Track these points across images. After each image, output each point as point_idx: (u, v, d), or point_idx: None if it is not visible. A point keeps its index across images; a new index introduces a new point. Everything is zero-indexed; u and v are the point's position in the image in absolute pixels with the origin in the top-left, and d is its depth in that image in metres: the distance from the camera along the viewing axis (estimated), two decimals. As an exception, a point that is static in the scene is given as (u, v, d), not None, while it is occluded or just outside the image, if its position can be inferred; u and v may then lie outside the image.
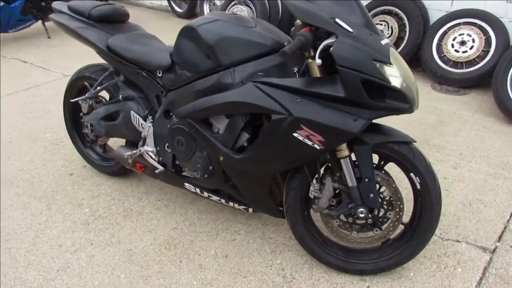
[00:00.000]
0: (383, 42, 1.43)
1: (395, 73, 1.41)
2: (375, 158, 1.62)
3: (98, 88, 2.13)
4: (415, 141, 1.62)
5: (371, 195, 1.58)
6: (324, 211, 1.65)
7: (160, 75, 1.89)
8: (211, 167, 1.78)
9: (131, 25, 2.20)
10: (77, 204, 2.25)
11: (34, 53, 4.69)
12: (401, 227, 1.72)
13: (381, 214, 1.67)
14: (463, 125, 2.97)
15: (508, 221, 2.05)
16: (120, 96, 2.08)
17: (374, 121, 1.49)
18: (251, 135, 1.64)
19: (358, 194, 1.58)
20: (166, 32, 4.21)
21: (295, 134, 1.46)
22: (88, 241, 1.99)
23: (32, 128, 3.07)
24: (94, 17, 2.05)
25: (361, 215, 1.60)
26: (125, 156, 2.06)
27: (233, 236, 2.00)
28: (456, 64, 3.57)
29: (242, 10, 4.41)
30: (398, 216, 1.65)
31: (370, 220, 1.65)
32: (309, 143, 1.46)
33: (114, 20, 2.13)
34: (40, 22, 5.06)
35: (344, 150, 1.56)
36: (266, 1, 4.34)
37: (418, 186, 1.61)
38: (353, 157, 1.59)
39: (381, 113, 1.44)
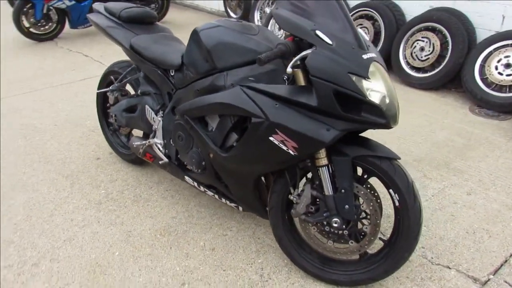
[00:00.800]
0: (366, 56, 1.46)
1: (375, 88, 1.43)
2: (360, 172, 1.64)
3: (122, 82, 2.35)
4: (398, 158, 1.61)
5: (346, 206, 1.60)
6: (302, 217, 1.69)
7: (172, 74, 2.05)
8: (203, 163, 1.90)
9: (159, 27, 2.40)
10: (96, 185, 2.48)
11: (95, 49, 5.15)
12: (381, 243, 1.72)
13: (358, 227, 1.67)
14: (492, 152, 2.82)
15: (511, 256, 1.94)
16: (139, 91, 2.27)
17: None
18: (240, 136, 1.73)
19: (334, 204, 1.61)
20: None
21: (271, 138, 1.53)
22: (96, 219, 2.20)
23: (77, 114, 3.40)
24: (123, 18, 2.27)
25: (335, 225, 1.62)
26: (136, 146, 2.25)
27: (225, 232, 2.10)
28: (500, 87, 3.38)
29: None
30: (374, 231, 1.64)
31: (346, 231, 1.66)
32: (284, 148, 1.52)
33: (142, 22, 2.33)
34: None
35: (322, 158, 1.59)
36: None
37: (397, 203, 1.59)
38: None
39: (355, 126, 1.46)
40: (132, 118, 2.33)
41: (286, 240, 1.81)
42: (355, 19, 4.29)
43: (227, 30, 1.75)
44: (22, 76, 4.27)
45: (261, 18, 5.56)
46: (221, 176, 1.87)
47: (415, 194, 1.58)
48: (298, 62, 1.51)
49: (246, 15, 6.04)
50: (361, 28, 4.23)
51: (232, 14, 6.37)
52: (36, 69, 4.47)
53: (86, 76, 4.27)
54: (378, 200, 1.66)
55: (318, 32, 1.43)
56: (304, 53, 1.44)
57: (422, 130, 3.08)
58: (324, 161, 1.59)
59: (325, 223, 1.68)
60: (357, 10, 4.30)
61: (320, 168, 1.61)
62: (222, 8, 6.65)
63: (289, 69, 1.44)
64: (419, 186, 2.41)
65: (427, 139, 2.93)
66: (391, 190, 1.59)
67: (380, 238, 1.73)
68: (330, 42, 1.42)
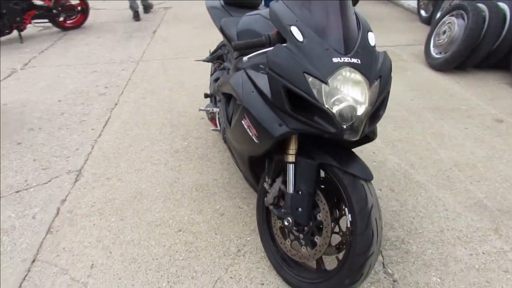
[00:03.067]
0: (338, 60, 1.36)
1: (335, 94, 1.35)
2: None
3: (212, 55, 2.72)
4: (367, 179, 1.46)
5: (300, 209, 1.56)
6: (270, 206, 1.72)
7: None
8: (224, 135, 2.11)
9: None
10: (184, 138, 2.99)
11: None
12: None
13: (311, 235, 1.60)
14: None
15: None
16: (223, 65, 2.59)
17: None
18: None
19: (289, 203, 1.59)
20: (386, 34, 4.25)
21: (242, 122, 1.62)
22: (164, 161, 2.69)
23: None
24: (226, 1, 2.60)
25: (286, 224, 1.60)
26: (207, 111, 2.60)
27: (242, 205, 2.27)
28: None
29: (453, 22, 3.93)
30: (322, 244, 1.55)
31: (301, 235, 1.62)
32: (250, 134, 1.59)
33: (243, 6, 2.61)
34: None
35: (291, 155, 1.58)
36: (485, 13, 3.72)
37: (348, 224, 1.46)
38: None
39: (306, 128, 1.41)
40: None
41: (261, 225, 1.87)
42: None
43: (260, 18, 1.86)
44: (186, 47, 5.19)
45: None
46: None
47: (370, 221, 1.41)
48: None
49: (434, 15, 5.49)
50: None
51: (422, 12, 5.88)
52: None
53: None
54: (336, 215, 1.56)
55: (292, 28, 1.42)
56: (269, 48, 1.47)
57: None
58: (291, 158, 1.58)
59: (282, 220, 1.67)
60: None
61: (287, 164, 1.61)
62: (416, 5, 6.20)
63: (245, 59, 1.49)
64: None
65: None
66: (346, 208, 1.47)
67: (336, 256, 1.61)
68: (300, 39, 1.40)
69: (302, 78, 1.36)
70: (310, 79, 1.35)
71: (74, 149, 2.88)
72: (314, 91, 1.34)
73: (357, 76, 1.37)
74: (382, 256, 1.90)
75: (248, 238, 2.04)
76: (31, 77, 4.25)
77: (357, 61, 1.38)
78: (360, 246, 1.42)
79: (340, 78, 1.35)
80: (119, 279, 1.82)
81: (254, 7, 2.64)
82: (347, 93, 1.36)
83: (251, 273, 1.84)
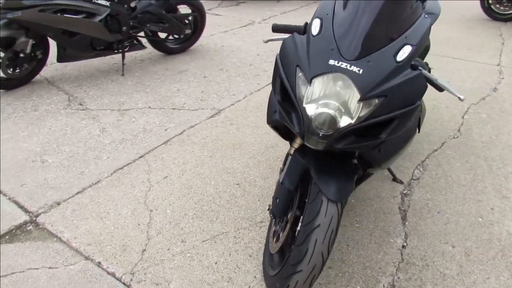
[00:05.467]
0: (335, 63, 1.25)
1: (315, 97, 1.27)
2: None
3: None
4: (331, 198, 1.33)
5: (278, 199, 1.54)
6: None
7: None
8: None
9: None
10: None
11: None
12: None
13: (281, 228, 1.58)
14: None
15: None
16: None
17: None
18: None
19: (274, 191, 1.59)
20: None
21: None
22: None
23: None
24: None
25: (268, 208, 1.62)
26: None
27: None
28: None
29: None
30: (282, 241, 1.53)
31: (275, 225, 1.63)
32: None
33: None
34: None
35: (292, 148, 1.55)
36: None
37: (296, 232, 1.39)
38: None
39: (285, 122, 1.38)
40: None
41: None
42: None
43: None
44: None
45: None
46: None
47: (309, 239, 1.32)
48: None
49: None
50: None
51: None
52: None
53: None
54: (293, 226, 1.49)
55: (315, 20, 1.37)
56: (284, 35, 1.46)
57: None
58: (291, 150, 1.56)
59: None
60: None
61: (288, 155, 1.59)
62: None
63: (264, 39, 1.51)
64: None
65: None
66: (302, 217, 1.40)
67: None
68: (314, 33, 1.35)
69: (293, 71, 1.32)
70: (300, 74, 1.30)
71: (232, 93, 3.41)
72: (300, 87, 1.30)
73: (347, 85, 1.23)
74: None
75: (260, 225, 2.07)
76: (257, 30, 5.02)
77: (358, 70, 1.23)
78: (292, 257, 1.35)
79: (324, 82, 1.25)
80: (170, 194, 2.25)
81: None
82: (328, 99, 1.25)
83: (251, 243, 1.93)
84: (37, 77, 3.62)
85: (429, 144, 2.71)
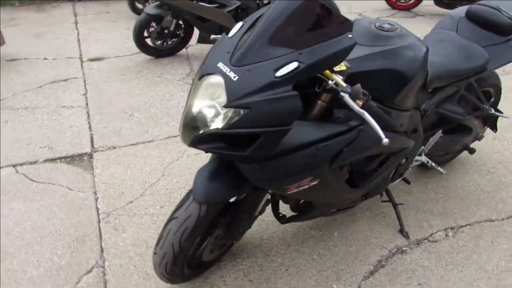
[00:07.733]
0: (221, 66, 1.25)
1: (197, 94, 1.30)
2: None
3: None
4: (200, 202, 1.36)
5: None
6: None
7: None
8: None
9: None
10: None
11: None
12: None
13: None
14: None
15: None
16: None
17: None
18: None
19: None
20: None
21: None
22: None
23: None
24: None
25: None
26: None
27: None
28: None
29: None
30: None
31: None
32: None
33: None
34: None
35: None
36: None
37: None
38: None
39: None
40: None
41: None
42: None
43: None
44: None
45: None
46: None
47: (166, 226, 1.43)
48: None
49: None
50: None
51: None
52: None
53: None
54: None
55: (240, 23, 1.36)
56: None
57: None
58: None
59: None
60: None
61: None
62: None
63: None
64: None
65: None
66: None
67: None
68: (230, 34, 1.36)
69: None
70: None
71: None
72: (194, 83, 1.35)
73: (219, 90, 1.23)
74: None
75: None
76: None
77: (234, 77, 1.21)
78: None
79: (208, 82, 1.28)
80: (188, 168, 2.50)
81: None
82: (206, 99, 1.27)
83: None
84: (183, 51, 4.35)
85: (487, 210, 2.13)
